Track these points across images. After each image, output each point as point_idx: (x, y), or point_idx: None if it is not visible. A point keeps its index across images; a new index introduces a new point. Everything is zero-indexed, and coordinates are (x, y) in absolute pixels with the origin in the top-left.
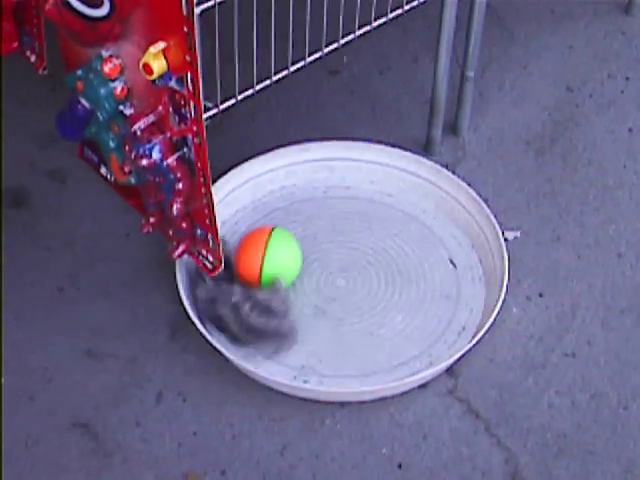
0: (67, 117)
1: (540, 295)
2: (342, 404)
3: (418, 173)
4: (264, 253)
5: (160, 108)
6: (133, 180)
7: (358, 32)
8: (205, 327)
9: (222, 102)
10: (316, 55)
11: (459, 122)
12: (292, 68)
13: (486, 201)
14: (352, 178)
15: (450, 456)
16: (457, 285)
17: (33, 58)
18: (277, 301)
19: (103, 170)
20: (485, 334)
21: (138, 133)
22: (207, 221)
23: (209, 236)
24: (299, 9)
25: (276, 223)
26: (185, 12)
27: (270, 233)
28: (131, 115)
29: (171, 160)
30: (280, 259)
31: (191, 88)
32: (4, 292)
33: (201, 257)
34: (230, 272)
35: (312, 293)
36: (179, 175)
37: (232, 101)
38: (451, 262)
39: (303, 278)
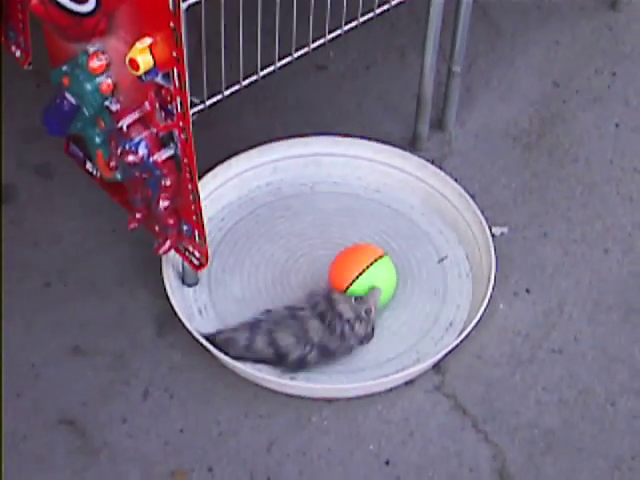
0: (53, 113)
1: (527, 291)
2: (329, 401)
3: (405, 169)
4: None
5: (146, 104)
6: (119, 176)
7: (345, 27)
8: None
9: (208, 97)
10: (303, 50)
11: (446, 117)
12: (279, 63)
13: (473, 197)
14: (339, 174)
15: (437, 452)
16: (444, 281)
17: (18, 53)
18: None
19: (89, 166)
20: (472, 330)
21: (124, 129)
22: (194, 217)
23: (196, 232)
24: (286, 4)
25: (263, 219)
26: (171, 7)
27: (381, 256)
28: (117, 111)
29: (157, 156)
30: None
31: (177, 84)
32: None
33: (187, 253)
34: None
35: (299, 289)
36: (165, 171)
37: (219, 96)
38: (438, 258)
39: (290, 274)
